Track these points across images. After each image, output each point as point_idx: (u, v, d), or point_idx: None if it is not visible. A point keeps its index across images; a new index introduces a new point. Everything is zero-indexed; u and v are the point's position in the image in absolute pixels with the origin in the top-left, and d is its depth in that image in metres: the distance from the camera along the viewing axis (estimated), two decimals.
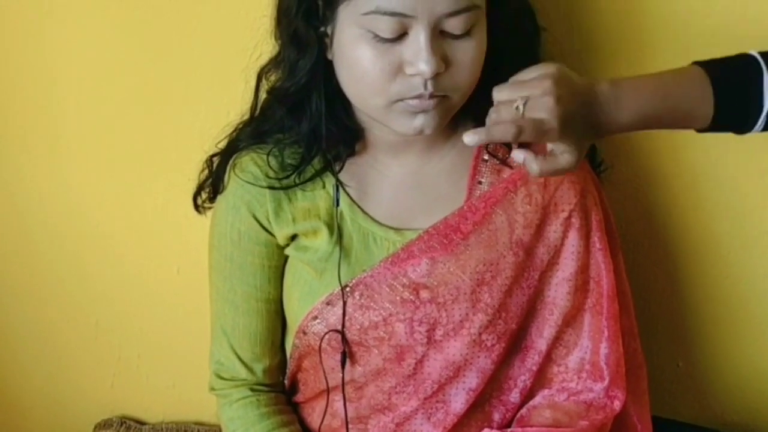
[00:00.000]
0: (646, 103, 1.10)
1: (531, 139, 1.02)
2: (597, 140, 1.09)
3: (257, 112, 1.25)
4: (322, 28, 1.12)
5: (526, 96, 1.02)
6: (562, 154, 1.05)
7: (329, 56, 1.13)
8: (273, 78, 1.22)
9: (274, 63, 1.21)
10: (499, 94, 1.05)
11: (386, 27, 1.05)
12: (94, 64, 1.46)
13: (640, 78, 1.13)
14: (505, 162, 1.22)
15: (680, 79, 1.13)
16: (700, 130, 1.15)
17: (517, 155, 1.06)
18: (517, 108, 1.02)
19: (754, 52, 1.13)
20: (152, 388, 1.65)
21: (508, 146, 1.21)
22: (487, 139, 1.02)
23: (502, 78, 1.11)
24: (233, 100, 1.31)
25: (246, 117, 1.26)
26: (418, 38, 1.05)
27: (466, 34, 1.07)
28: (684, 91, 1.12)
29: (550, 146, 1.06)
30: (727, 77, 1.12)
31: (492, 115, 1.04)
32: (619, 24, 1.37)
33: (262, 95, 1.23)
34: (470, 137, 1.01)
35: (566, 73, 1.05)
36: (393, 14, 1.04)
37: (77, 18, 1.43)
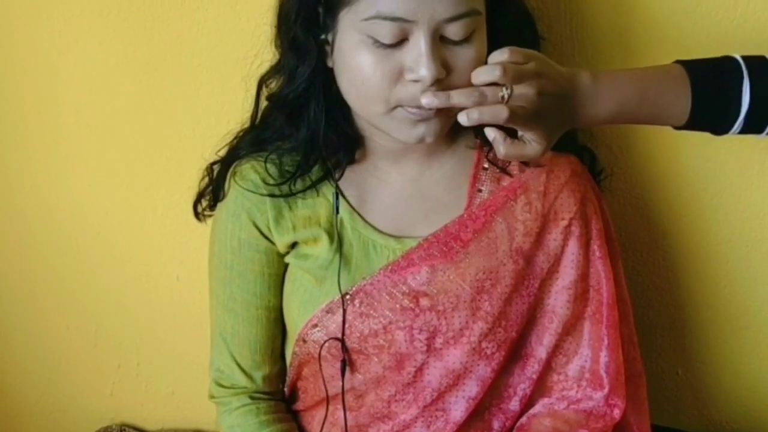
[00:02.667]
0: (624, 97, 1.10)
1: (515, 124, 1.02)
2: (568, 130, 1.10)
3: (258, 120, 1.25)
4: (323, 36, 1.13)
5: (510, 83, 1.02)
6: (530, 142, 1.06)
7: (329, 63, 1.14)
8: (273, 86, 1.22)
9: (274, 70, 1.21)
10: (482, 74, 1.03)
11: (387, 32, 1.05)
12: (95, 70, 1.46)
13: (619, 72, 1.13)
14: (505, 170, 1.22)
15: (659, 75, 1.13)
16: (677, 128, 1.15)
17: (489, 133, 1.05)
18: (502, 96, 1.01)
19: (738, 56, 1.13)
20: (152, 396, 1.65)
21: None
22: (479, 119, 1.01)
23: None
24: (233, 108, 1.31)
25: (246, 125, 1.27)
26: (419, 44, 1.05)
27: (466, 40, 1.08)
28: (662, 87, 1.12)
29: (519, 132, 1.06)
30: (707, 77, 1.12)
31: (474, 95, 1.02)
32: (619, 32, 1.38)
33: (263, 103, 1.24)
34: (464, 117, 1.01)
35: (550, 65, 1.06)
36: (394, 19, 1.04)
37: (77, 25, 1.43)
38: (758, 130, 1.14)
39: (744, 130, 1.14)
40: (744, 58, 1.13)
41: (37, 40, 1.45)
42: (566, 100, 1.07)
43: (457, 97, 1.02)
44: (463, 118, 1.01)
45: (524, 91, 1.02)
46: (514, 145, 1.05)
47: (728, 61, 1.13)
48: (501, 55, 1.04)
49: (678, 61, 1.14)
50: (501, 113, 1.00)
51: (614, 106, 1.10)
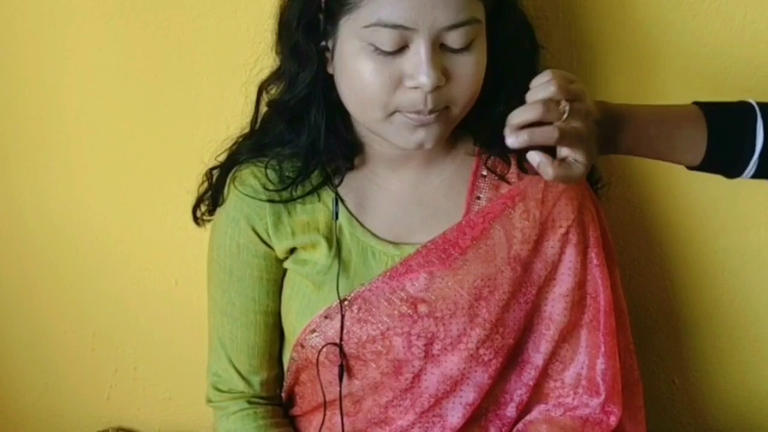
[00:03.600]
0: (644, 131, 1.11)
1: (566, 144, 1.01)
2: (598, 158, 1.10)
3: (257, 125, 1.26)
4: (323, 42, 1.13)
5: (567, 100, 1.01)
6: (575, 163, 1.04)
7: (330, 70, 1.14)
8: (273, 92, 1.22)
9: (275, 77, 1.22)
10: (538, 93, 1.02)
11: (387, 40, 1.06)
12: (96, 76, 1.46)
13: (641, 107, 1.14)
14: (503, 178, 1.22)
15: (677, 113, 1.15)
16: (690, 168, 1.17)
17: (533, 157, 1.02)
18: (563, 110, 1.01)
19: (752, 100, 1.15)
20: (149, 400, 1.65)
21: (507, 161, 1.22)
22: (530, 141, 1.00)
23: (502, 94, 1.12)
24: (233, 114, 1.32)
25: (246, 130, 1.27)
26: (419, 51, 1.06)
27: (466, 48, 1.08)
28: (679, 125, 1.14)
29: (563, 154, 1.04)
30: (722, 119, 1.14)
31: (528, 113, 1.00)
32: (617, 42, 1.38)
33: (263, 109, 1.24)
34: (513, 138, 1.00)
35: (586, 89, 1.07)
36: (394, 27, 1.05)
37: (79, 31, 1.43)
38: None
39: (757, 173, 1.15)
40: (758, 102, 1.14)
41: (38, 47, 1.45)
42: (601, 124, 1.07)
43: (536, 134, 0.99)
44: (511, 140, 1.00)
45: (578, 107, 1.02)
46: (562, 166, 1.03)
47: (743, 104, 1.15)
48: (545, 76, 1.02)
49: (695, 103, 1.16)
50: (552, 134, 0.99)
51: (635, 138, 1.11)
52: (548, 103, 1.01)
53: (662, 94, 1.39)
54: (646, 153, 1.14)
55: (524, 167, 1.22)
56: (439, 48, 1.07)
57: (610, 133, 1.09)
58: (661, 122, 1.13)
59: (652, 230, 1.48)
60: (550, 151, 1.03)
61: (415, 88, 1.07)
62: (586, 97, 1.05)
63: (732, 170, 1.16)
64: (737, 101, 1.16)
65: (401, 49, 1.07)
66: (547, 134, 1.00)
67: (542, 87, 1.02)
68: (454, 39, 1.07)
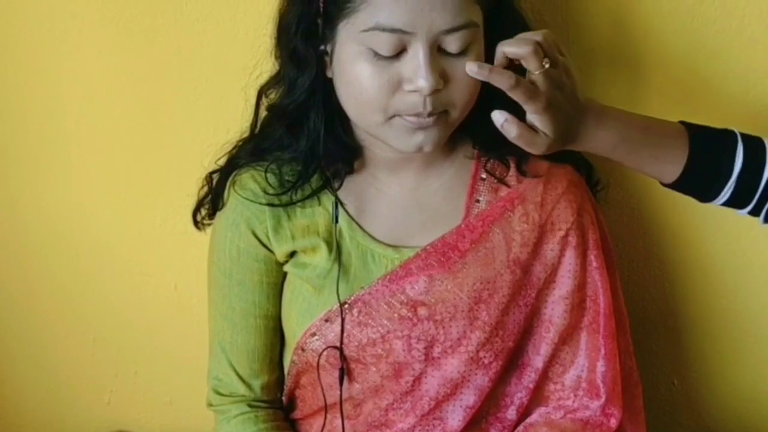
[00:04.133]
0: (627, 133, 1.12)
1: (519, 96, 1.02)
2: (565, 147, 1.11)
3: (257, 129, 1.26)
4: (322, 47, 1.13)
5: (550, 60, 1.03)
6: (540, 134, 1.05)
7: (329, 74, 1.14)
8: (273, 96, 1.23)
9: (274, 81, 1.22)
10: (530, 34, 1.05)
11: (385, 44, 1.06)
12: (95, 80, 1.46)
13: (626, 112, 1.15)
14: (502, 181, 1.23)
15: (663, 126, 1.16)
16: (665, 185, 1.18)
17: (497, 117, 1.03)
18: (544, 65, 1.02)
19: (737, 131, 1.16)
20: (149, 404, 1.65)
21: (506, 164, 1.23)
22: (487, 76, 1.01)
23: (500, 97, 1.12)
24: (233, 118, 1.32)
25: (246, 135, 1.27)
26: (417, 55, 1.06)
27: (464, 52, 1.08)
28: (663, 137, 1.14)
29: (532, 121, 1.05)
30: (705, 141, 1.14)
31: (520, 46, 1.03)
32: (616, 43, 1.38)
33: (262, 113, 1.24)
34: (475, 68, 1.01)
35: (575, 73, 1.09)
36: (392, 31, 1.05)
37: (78, 36, 1.43)
38: (741, 205, 1.17)
39: (729, 200, 1.16)
40: (742, 134, 1.15)
41: (38, 51, 1.45)
42: (577, 114, 1.08)
43: (494, 72, 1.02)
44: (474, 68, 1.01)
45: (555, 74, 1.03)
46: (527, 132, 1.05)
47: (728, 133, 1.16)
48: (540, 33, 1.05)
49: (681, 122, 1.17)
50: (510, 79, 1.00)
51: (615, 138, 1.11)
52: (537, 47, 1.02)
53: (660, 96, 1.39)
54: (624, 158, 1.14)
55: (523, 170, 1.22)
56: (437, 51, 1.07)
57: (590, 126, 1.10)
58: (645, 129, 1.14)
59: (651, 232, 1.49)
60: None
61: (414, 91, 1.07)
62: (570, 75, 1.06)
63: (707, 193, 1.16)
64: (722, 129, 1.17)
65: (399, 53, 1.07)
66: (504, 77, 1.01)
67: (534, 34, 1.04)
68: (451, 42, 1.07)
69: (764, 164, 1.14)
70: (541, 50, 1.03)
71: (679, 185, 1.16)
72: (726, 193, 1.15)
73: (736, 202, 1.16)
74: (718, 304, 1.51)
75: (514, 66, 1.05)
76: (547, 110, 1.04)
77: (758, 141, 1.15)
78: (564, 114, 1.06)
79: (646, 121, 1.15)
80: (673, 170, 1.14)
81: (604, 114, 1.11)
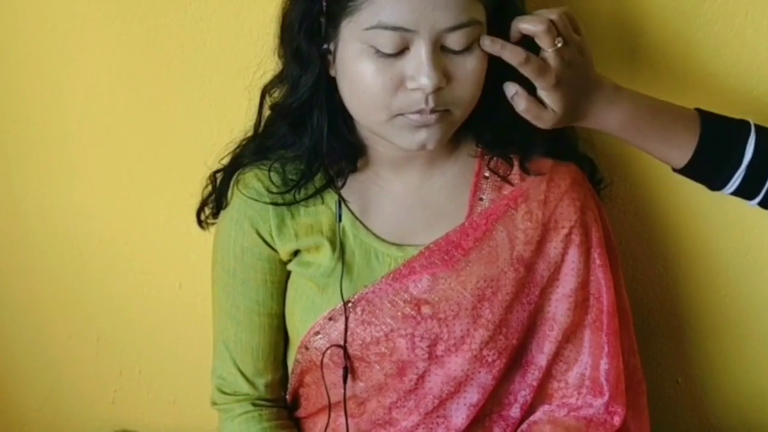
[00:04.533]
0: (637, 113, 1.14)
1: (529, 72, 1.07)
2: (572, 123, 1.14)
3: (261, 128, 1.26)
4: (325, 45, 1.13)
5: (563, 39, 1.07)
6: (548, 109, 1.10)
7: (332, 73, 1.15)
8: (276, 95, 1.23)
9: (278, 80, 1.22)
10: (546, 12, 1.09)
11: (388, 42, 1.06)
12: (98, 79, 1.46)
13: (640, 93, 1.16)
14: (505, 179, 1.23)
15: (676, 110, 1.17)
16: (675, 170, 1.19)
17: (509, 88, 1.11)
18: (557, 43, 1.06)
19: (751, 121, 1.16)
20: (153, 404, 1.65)
21: (509, 162, 1.23)
22: (499, 50, 1.07)
23: (503, 95, 1.12)
24: (236, 117, 1.32)
25: (249, 134, 1.27)
26: (420, 53, 1.06)
27: (467, 49, 1.09)
28: (674, 121, 1.15)
29: (542, 97, 1.10)
30: (717, 128, 1.15)
31: (535, 23, 1.07)
32: (619, 40, 1.38)
33: (266, 112, 1.25)
34: (488, 42, 1.07)
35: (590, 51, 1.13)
36: (395, 29, 1.05)
37: (81, 35, 1.43)
38: (751, 195, 1.17)
39: (738, 189, 1.17)
40: (757, 125, 1.16)
41: (41, 50, 1.45)
42: (587, 91, 1.11)
43: (507, 47, 1.07)
44: (487, 42, 1.07)
45: (567, 52, 1.08)
46: (536, 105, 1.10)
47: (742, 123, 1.16)
48: (553, 13, 1.09)
49: (697, 109, 1.18)
50: (520, 55, 1.06)
51: (625, 118, 1.13)
52: (550, 26, 1.06)
53: (663, 94, 1.38)
54: (634, 138, 1.15)
55: (527, 168, 1.22)
56: (440, 50, 1.07)
57: (602, 106, 1.13)
58: (656, 111, 1.15)
59: (654, 230, 1.48)
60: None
61: (417, 89, 1.07)
62: (584, 53, 1.10)
63: (716, 179, 1.17)
64: (737, 119, 1.17)
65: (402, 51, 1.07)
66: (516, 53, 1.06)
67: (550, 11, 1.08)
68: (454, 40, 1.07)
69: None
70: (555, 29, 1.06)
71: (687, 171, 1.16)
72: (735, 181, 1.15)
73: (745, 191, 1.16)
74: (722, 302, 1.51)
75: (528, 40, 1.09)
76: (556, 87, 1.07)
77: None
78: (574, 91, 1.08)
79: (658, 104, 1.17)
80: (682, 155, 1.15)
81: (616, 93, 1.13)
